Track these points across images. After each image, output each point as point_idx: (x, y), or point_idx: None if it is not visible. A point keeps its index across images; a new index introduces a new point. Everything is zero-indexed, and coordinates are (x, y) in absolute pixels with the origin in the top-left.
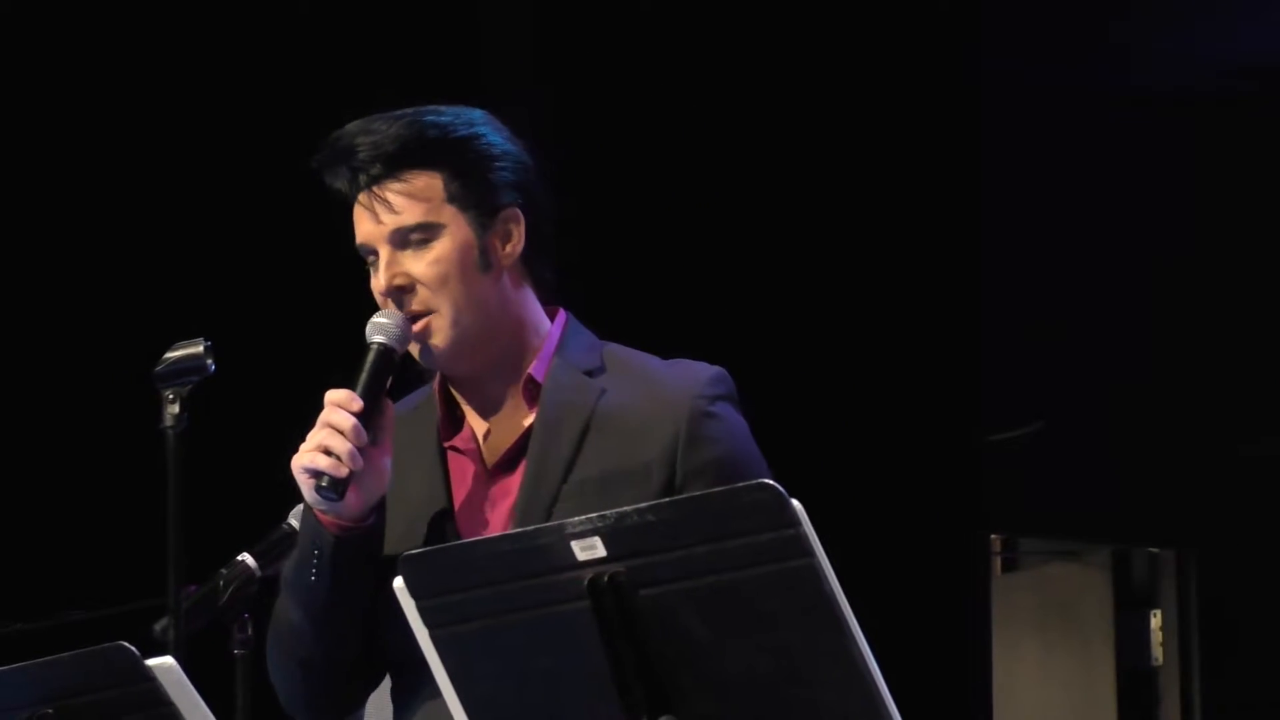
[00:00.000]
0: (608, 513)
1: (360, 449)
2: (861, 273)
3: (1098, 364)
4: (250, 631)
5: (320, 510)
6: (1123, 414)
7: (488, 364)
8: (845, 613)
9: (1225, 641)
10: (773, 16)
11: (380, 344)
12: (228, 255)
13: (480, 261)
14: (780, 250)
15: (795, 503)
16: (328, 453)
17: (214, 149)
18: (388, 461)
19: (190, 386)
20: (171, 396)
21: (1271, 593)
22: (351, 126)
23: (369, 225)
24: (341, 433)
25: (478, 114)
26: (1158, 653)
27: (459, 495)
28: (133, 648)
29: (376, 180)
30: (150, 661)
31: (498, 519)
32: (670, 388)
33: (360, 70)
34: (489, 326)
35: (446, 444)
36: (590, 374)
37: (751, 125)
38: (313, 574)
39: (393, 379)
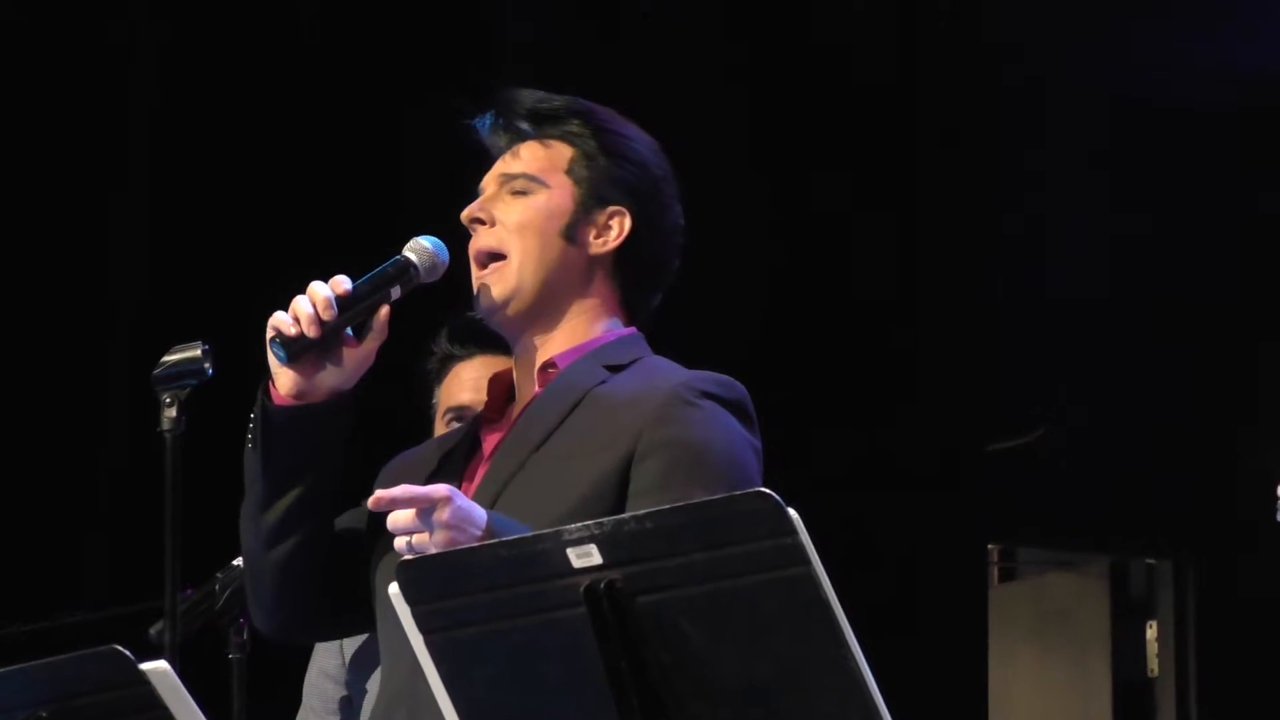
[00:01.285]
0: (604, 520)
1: (329, 326)
2: (862, 280)
3: (1097, 373)
4: (246, 636)
5: (273, 377)
6: (1122, 424)
7: (534, 330)
8: (841, 621)
9: (1222, 653)
10: (781, 13)
11: (405, 258)
12: (227, 258)
13: (566, 230)
14: (783, 256)
15: (792, 511)
16: (296, 318)
17: (210, 149)
18: (363, 358)
19: (188, 389)
20: (169, 400)
21: (1269, 604)
22: (521, 89)
23: (494, 169)
24: (313, 301)
25: (647, 136)
26: (1154, 664)
27: (471, 472)
28: (127, 651)
29: (521, 136)
30: (144, 665)
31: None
32: (664, 377)
33: (351, 74)
34: (550, 292)
35: (486, 424)
36: (612, 368)
37: (757, 128)
38: (249, 440)
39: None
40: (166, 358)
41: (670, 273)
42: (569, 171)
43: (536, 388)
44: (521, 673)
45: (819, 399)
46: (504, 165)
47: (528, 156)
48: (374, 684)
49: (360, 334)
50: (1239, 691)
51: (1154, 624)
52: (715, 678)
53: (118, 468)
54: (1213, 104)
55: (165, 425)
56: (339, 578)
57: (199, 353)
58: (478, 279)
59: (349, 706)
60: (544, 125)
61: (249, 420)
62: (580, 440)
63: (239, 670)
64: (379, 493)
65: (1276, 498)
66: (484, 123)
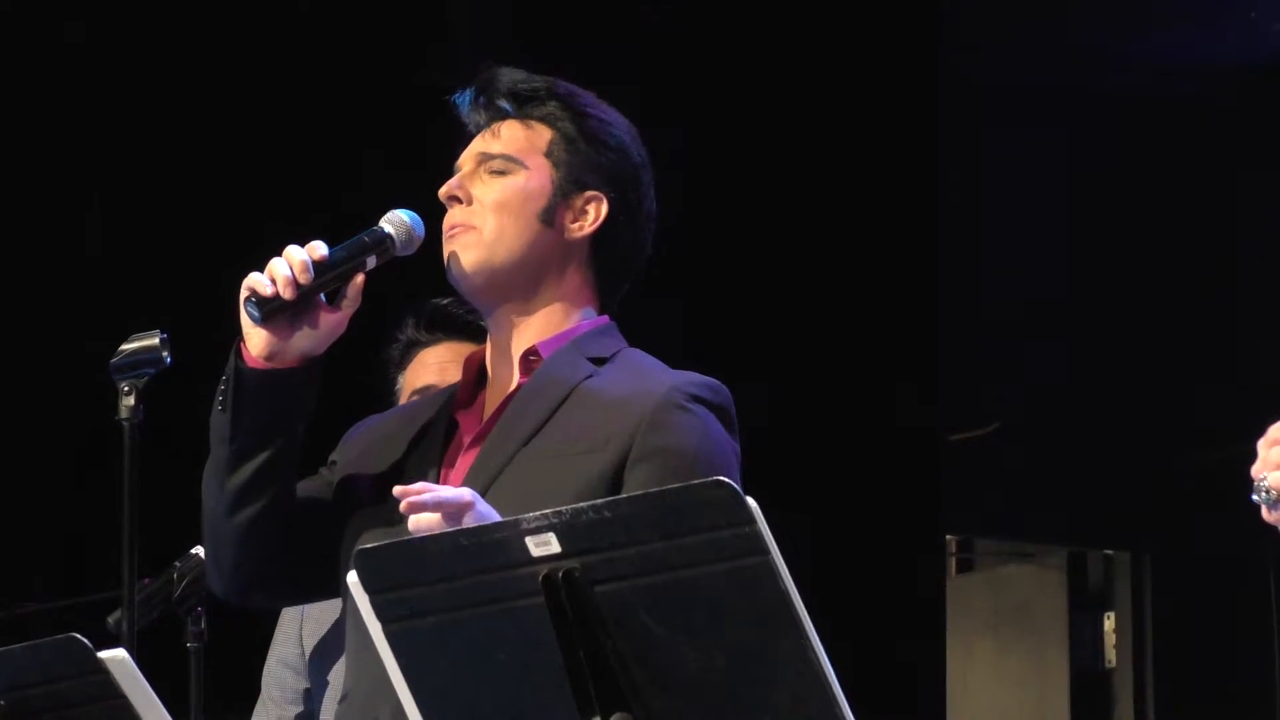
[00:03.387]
0: (563, 509)
1: (306, 289)
2: (819, 274)
3: (1055, 366)
4: (203, 625)
5: (245, 338)
6: (1079, 417)
7: (509, 309)
8: (800, 611)
9: (1178, 644)
10: (728, 14)
11: (383, 229)
12: (185, 247)
13: (543, 213)
14: (737, 252)
15: (750, 500)
16: (272, 279)
17: (167, 139)
18: (336, 325)
19: (146, 378)
20: (127, 388)
21: (1224, 596)
22: (503, 68)
23: (472, 147)
24: (289, 263)
25: (626, 121)
26: (1111, 655)
27: (450, 457)
28: (85, 640)
29: (500, 115)
30: (103, 653)
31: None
32: (654, 378)
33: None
34: (519, 271)
35: (459, 408)
36: (596, 361)
37: (710, 127)
38: (219, 402)
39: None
40: (125, 346)
41: (643, 260)
42: (548, 154)
43: (519, 375)
44: (480, 662)
45: (776, 392)
46: (483, 144)
47: (507, 136)
48: (335, 675)
49: (334, 300)
50: (1195, 682)
51: (1111, 615)
52: (673, 667)
53: (74, 457)
54: (1164, 96)
55: (123, 414)
56: (299, 544)
57: (157, 341)
58: (448, 245)
59: (309, 697)
60: (524, 106)
61: (219, 385)
62: (571, 438)
63: (197, 659)
64: (403, 492)
65: (1255, 479)
66: (464, 99)
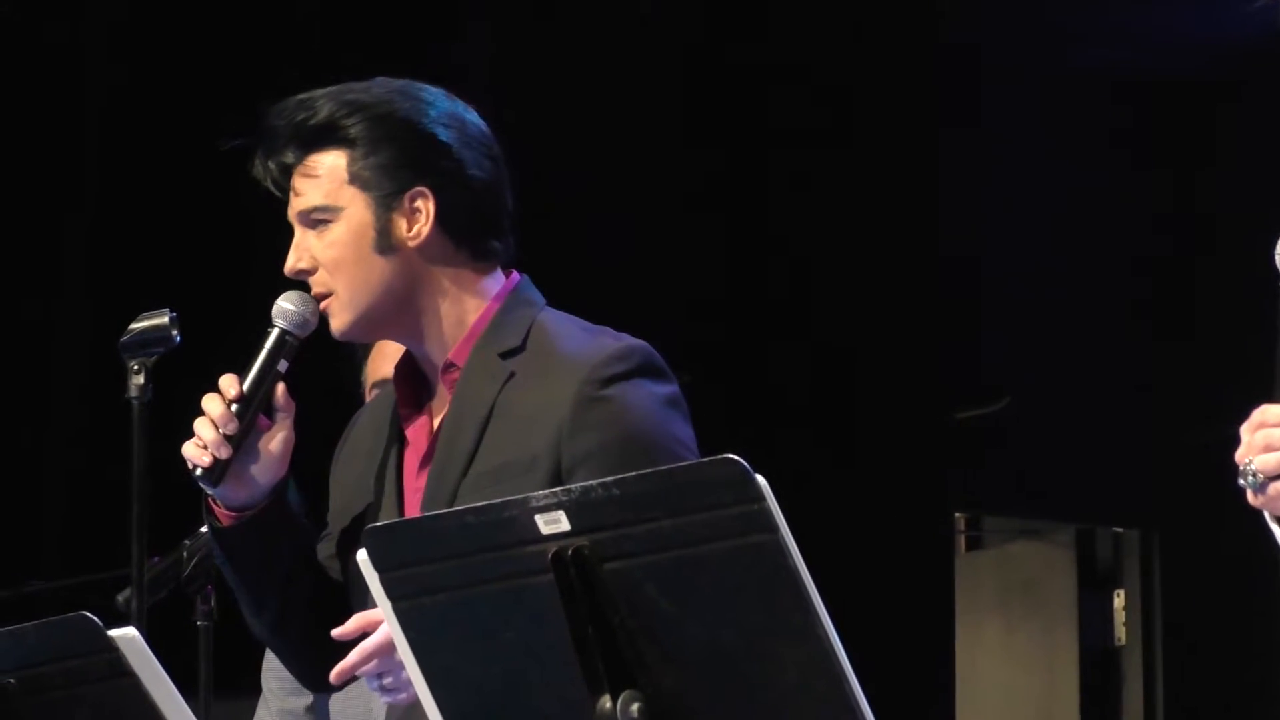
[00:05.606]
0: (572, 486)
1: (239, 435)
2: (826, 252)
3: (1064, 343)
4: (213, 603)
5: (209, 497)
6: (1088, 394)
7: (406, 334)
8: (809, 588)
9: (1188, 621)
10: None
11: (277, 327)
12: (193, 225)
13: (377, 243)
14: (742, 230)
15: (760, 478)
16: (204, 443)
17: (175, 116)
18: (285, 441)
19: (155, 357)
20: (137, 367)
21: (1233, 573)
22: (270, 115)
23: (290, 208)
24: (212, 421)
25: (409, 88)
26: (1121, 632)
27: (407, 483)
28: (95, 618)
29: (291, 166)
30: (113, 632)
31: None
32: (564, 371)
33: (308, 37)
34: (392, 307)
35: (406, 422)
36: (508, 354)
37: (711, 98)
38: (220, 561)
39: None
40: (134, 325)
41: (506, 206)
42: (352, 180)
43: (446, 393)
44: (489, 639)
45: (785, 369)
46: (295, 204)
47: (310, 186)
48: None
49: (273, 417)
50: (1205, 660)
51: (1121, 593)
52: (682, 644)
53: (84, 435)
54: (1190, 76)
55: (133, 392)
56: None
57: (166, 320)
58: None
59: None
60: (313, 143)
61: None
62: (504, 461)
63: (206, 637)
64: (337, 670)
65: (1240, 464)
66: (259, 168)
